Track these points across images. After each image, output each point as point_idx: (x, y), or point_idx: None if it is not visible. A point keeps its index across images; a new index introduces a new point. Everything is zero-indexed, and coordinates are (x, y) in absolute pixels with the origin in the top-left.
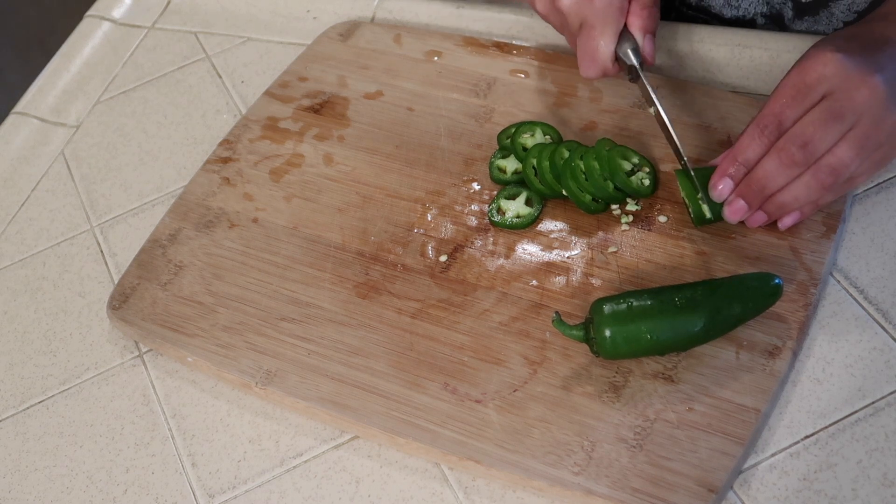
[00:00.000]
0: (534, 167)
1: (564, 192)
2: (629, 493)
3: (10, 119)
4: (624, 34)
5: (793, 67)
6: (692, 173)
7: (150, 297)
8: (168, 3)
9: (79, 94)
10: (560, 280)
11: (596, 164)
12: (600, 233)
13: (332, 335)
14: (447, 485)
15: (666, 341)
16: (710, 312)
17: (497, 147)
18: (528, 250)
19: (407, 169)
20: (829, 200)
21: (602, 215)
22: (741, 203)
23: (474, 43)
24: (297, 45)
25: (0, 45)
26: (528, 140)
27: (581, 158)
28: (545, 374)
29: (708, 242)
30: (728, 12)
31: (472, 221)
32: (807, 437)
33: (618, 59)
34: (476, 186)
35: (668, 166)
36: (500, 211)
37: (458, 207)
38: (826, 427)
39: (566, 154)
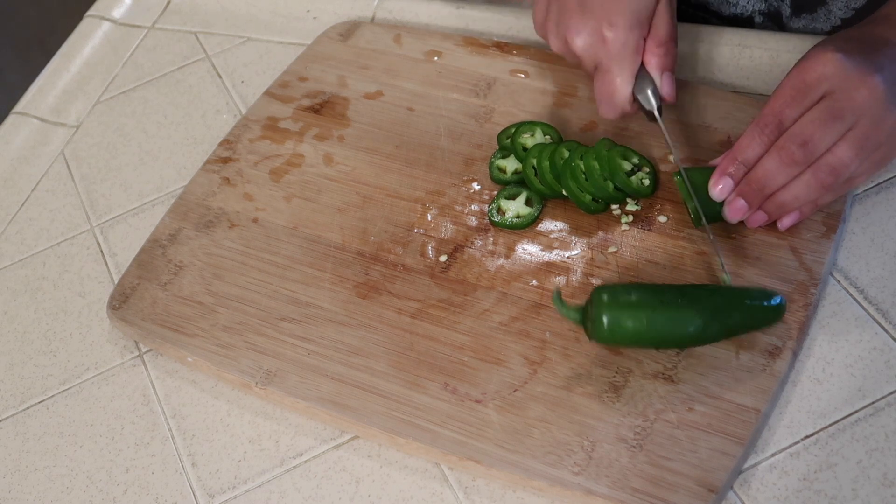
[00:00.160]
0: (534, 167)
1: (564, 192)
2: (629, 493)
3: (10, 119)
4: (641, 73)
5: (793, 67)
6: (691, 189)
7: (150, 297)
8: (168, 3)
9: (79, 94)
10: (560, 280)
11: (596, 164)
12: (600, 233)
13: (332, 335)
14: (447, 485)
15: (661, 334)
16: (709, 313)
17: (497, 147)
18: (528, 250)
19: (407, 169)
20: (829, 200)
21: (602, 215)
22: (741, 202)
23: (474, 43)
24: (297, 45)
25: (0, 45)
26: (528, 140)
27: (581, 158)
28: (545, 374)
29: (708, 242)
30: (726, 10)
31: (472, 221)
32: (807, 437)
33: (636, 97)
34: (476, 186)
35: (668, 166)
36: (500, 211)
37: (458, 207)
38: (826, 427)
39: (566, 154)
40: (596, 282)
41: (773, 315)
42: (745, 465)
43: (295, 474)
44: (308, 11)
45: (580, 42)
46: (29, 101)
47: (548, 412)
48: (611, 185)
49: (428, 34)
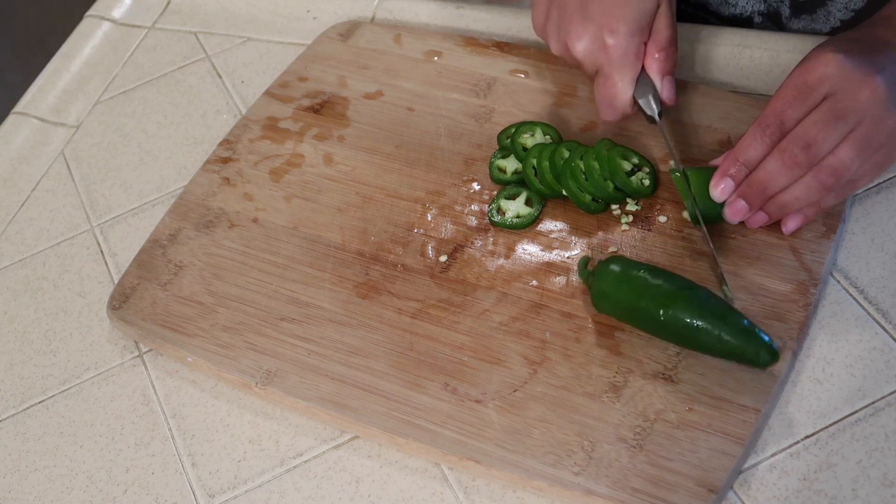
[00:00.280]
0: (534, 167)
1: (564, 192)
2: (629, 493)
3: (10, 119)
4: (642, 78)
5: (795, 68)
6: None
7: (150, 297)
8: (168, 3)
9: (79, 94)
10: (560, 280)
11: (596, 164)
12: (600, 233)
13: (332, 335)
14: (447, 485)
15: (650, 314)
16: (702, 318)
17: (497, 147)
18: (528, 250)
19: (407, 169)
20: (833, 203)
21: (602, 215)
22: (742, 203)
23: (474, 43)
24: (297, 45)
25: (0, 45)
26: (528, 140)
27: (581, 158)
28: (545, 374)
29: (706, 243)
30: (726, 10)
31: (472, 221)
32: (807, 437)
33: (636, 101)
34: (476, 186)
35: (668, 166)
36: (500, 211)
37: (458, 207)
38: (826, 427)
39: (566, 154)
40: None
41: (756, 359)
42: (745, 465)
43: (295, 474)
44: (308, 11)
45: (581, 47)
46: (29, 101)
47: (548, 412)
48: (611, 185)
49: (428, 34)
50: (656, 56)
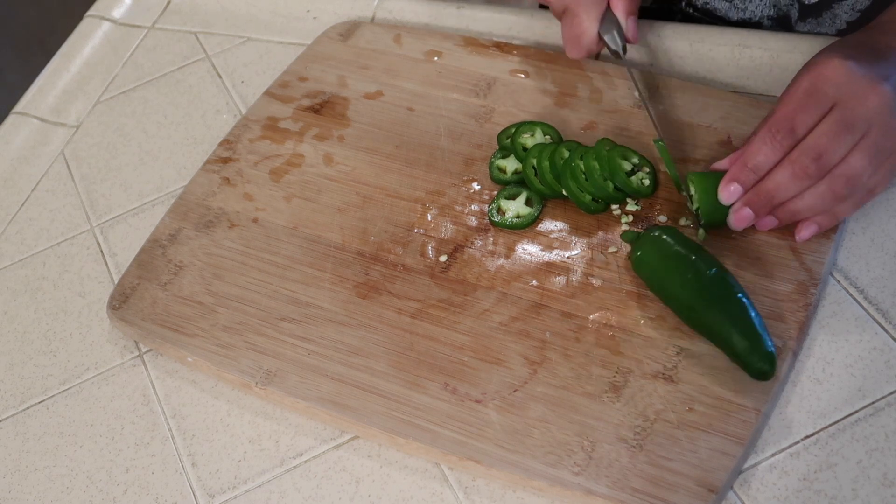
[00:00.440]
0: (534, 167)
1: (564, 192)
2: (629, 493)
3: (10, 119)
4: (607, 15)
5: (802, 72)
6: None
7: (150, 297)
8: (168, 3)
9: (79, 94)
10: (560, 280)
11: (596, 164)
12: (600, 233)
13: (332, 335)
14: (447, 485)
15: (679, 299)
16: (721, 313)
17: (497, 147)
18: (528, 250)
19: (407, 169)
20: (849, 213)
21: (602, 215)
22: (747, 211)
23: (474, 43)
24: (297, 45)
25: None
26: (528, 140)
27: (581, 158)
28: (545, 374)
29: (708, 242)
30: (734, 15)
31: (472, 221)
32: (807, 437)
33: (602, 39)
34: (476, 186)
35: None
36: (500, 211)
37: (458, 207)
38: (826, 427)
39: (566, 154)
40: (596, 282)
41: (749, 359)
42: (745, 465)
43: (295, 474)
44: (308, 11)
45: None
46: (29, 101)
47: (548, 412)
48: (611, 185)
49: (428, 34)
50: None
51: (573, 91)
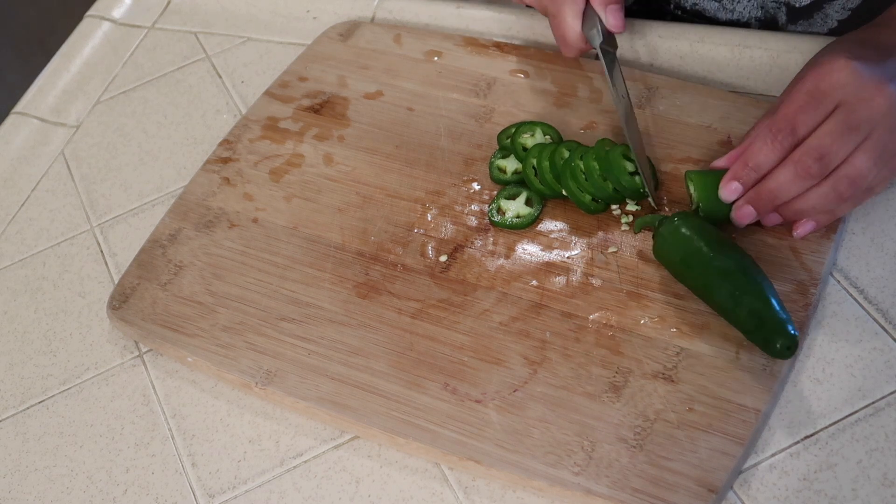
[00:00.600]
0: (534, 167)
1: (564, 192)
2: (629, 493)
3: (10, 119)
4: (588, 12)
5: (805, 71)
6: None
7: (150, 297)
8: (168, 3)
9: (79, 94)
10: (560, 280)
11: (596, 164)
12: (600, 233)
13: (332, 335)
14: (447, 485)
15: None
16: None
17: (497, 147)
18: (528, 250)
19: (407, 169)
20: (847, 211)
21: (602, 215)
22: (749, 209)
23: (474, 43)
24: (297, 45)
25: (0, 45)
26: (528, 140)
27: (581, 158)
28: (545, 374)
29: None
30: (723, 16)
31: (472, 221)
32: (807, 437)
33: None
34: (476, 186)
35: (668, 166)
36: (500, 211)
37: (458, 207)
38: (826, 427)
39: (566, 154)
40: (596, 282)
41: (771, 340)
42: (745, 465)
43: (295, 474)
44: (308, 11)
45: None
46: (29, 101)
47: (548, 412)
48: (610, 186)
49: (428, 34)
50: None
51: (573, 91)
